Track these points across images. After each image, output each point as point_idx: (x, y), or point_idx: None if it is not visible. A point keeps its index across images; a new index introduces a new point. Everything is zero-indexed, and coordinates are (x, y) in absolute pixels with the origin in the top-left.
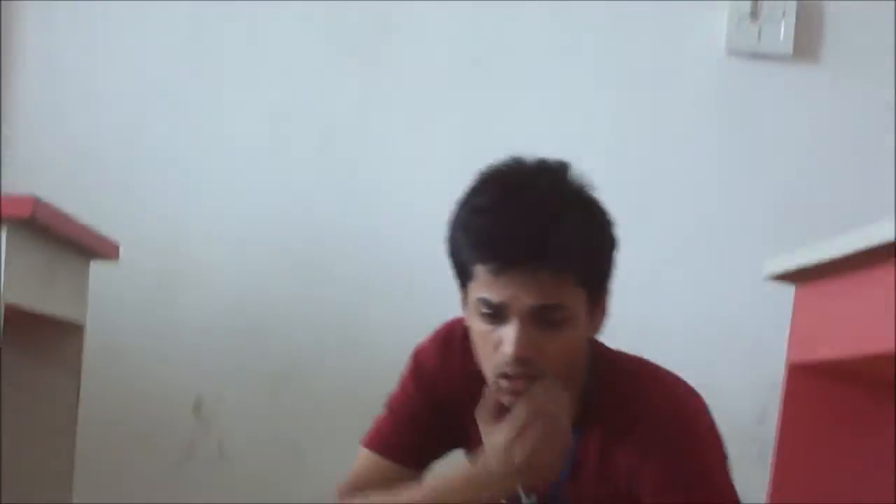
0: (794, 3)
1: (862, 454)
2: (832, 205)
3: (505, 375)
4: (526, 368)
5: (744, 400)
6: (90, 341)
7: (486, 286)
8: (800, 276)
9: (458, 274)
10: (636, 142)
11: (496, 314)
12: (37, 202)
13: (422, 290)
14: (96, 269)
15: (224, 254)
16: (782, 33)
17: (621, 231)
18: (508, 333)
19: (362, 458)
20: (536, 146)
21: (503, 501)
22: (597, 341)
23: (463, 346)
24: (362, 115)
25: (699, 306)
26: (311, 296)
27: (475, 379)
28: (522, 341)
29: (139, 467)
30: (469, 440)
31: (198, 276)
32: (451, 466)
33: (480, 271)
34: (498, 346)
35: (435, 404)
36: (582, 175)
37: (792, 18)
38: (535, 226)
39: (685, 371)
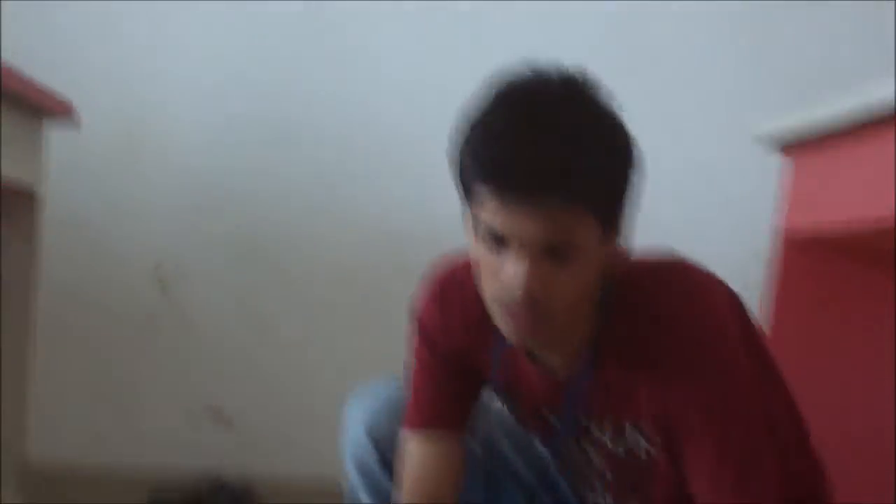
0: None
1: (854, 321)
2: (829, 69)
3: (509, 310)
4: (532, 307)
5: (727, 269)
6: (53, 210)
7: (493, 214)
8: (791, 143)
9: (463, 194)
10: (625, 7)
11: (503, 243)
12: None
13: (396, 163)
14: (58, 138)
15: (188, 125)
16: None
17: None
18: (515, 268)
19: (409, 444)
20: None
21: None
22: (618, 257)
23: (460, 295)
24: None
25: (686, 176)
26: (277, 165)
27: (479, 324)
28: (530, 278)
29: (102, 335)
30: (485, 378)
31: (162, 144)
32: None
33: (488, 198)
34: (496, 272)
35: (450, 361)
36: (606, 92)
37: None
38: (551, 155)
39: (671, 239)
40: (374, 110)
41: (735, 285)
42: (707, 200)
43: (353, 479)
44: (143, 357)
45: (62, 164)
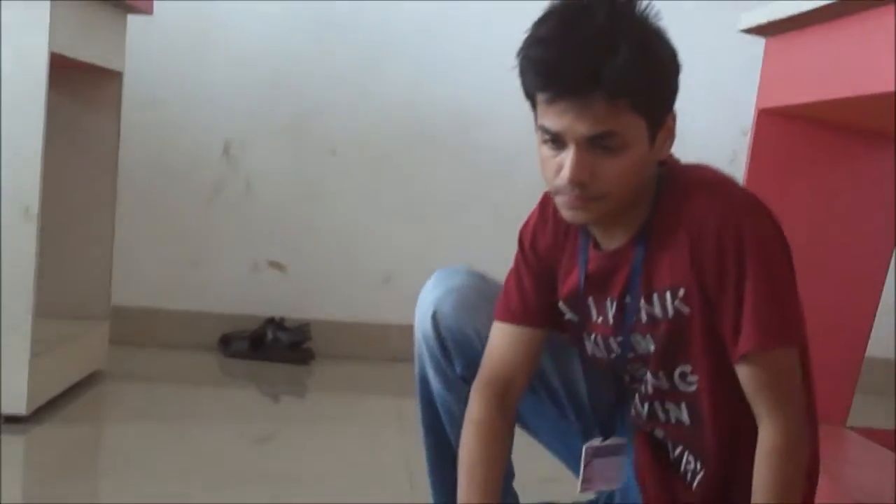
0: None
1: (824, 188)
2: None
3: (562, 194)
4: (582, 191)
5: (717, 143)
6: (130, 91)
7: (545, 114)
8: (771, 29)
9: (527, 99)
10: None
11: (555, 141)
12: None
13: (428, 54)
14: (135, 25)
15: (249, 16)
16: None
17: None
18: (565, 159)
19: (495, 331)
20: None
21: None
22: (669, 159)
23: (555, 212)
24: None
25: (687, 65)
26: (328, 53)
27: (566, 237)
28: (577, 167)
29: (177, 200)
30: (562, 296)
31: (227, 34)
32: None
33: (540, 99)
34: (558, 170)
35: (538, 266)
36: (646, 5)
37: None
38: (587, 56)
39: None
40: (409, 10)
41: (725, 156)
42: (704, 85)
43: (420, 350)
44: (212, 218)
45: (141, 51)
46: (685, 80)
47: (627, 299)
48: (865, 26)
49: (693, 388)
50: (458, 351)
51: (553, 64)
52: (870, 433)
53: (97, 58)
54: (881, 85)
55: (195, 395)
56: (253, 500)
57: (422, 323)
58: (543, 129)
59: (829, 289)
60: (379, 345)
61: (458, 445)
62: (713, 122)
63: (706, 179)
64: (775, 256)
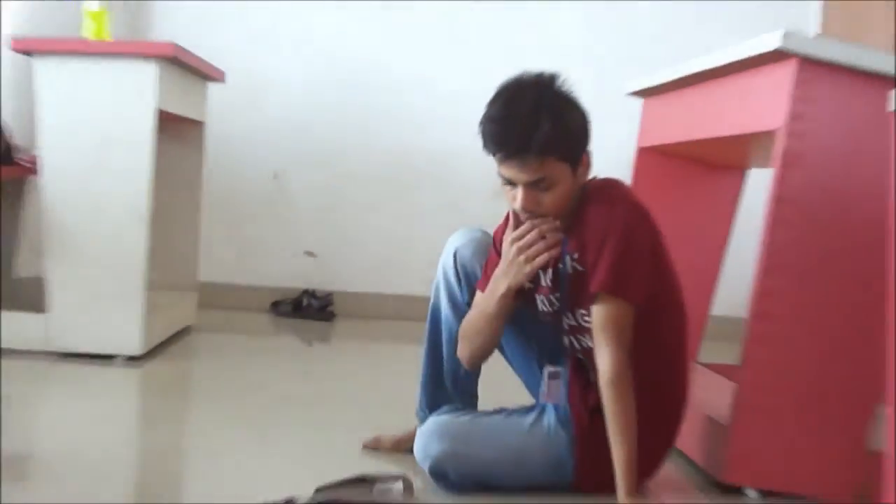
0: None
1: (683, 200)
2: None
3: (521, 215)
4: (531, 214)
5: (609, 170)
6: (210, 134)
7: (499, 166)
8: (646, 93)
9: (488, 154)
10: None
11: (509, 182)
12: (175, 46)
13: (417, 107)
14: (213, 89)
15: (290, 80)
16: None
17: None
18: (517, 195)
19: (476, 296)
20: None
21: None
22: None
23: (517, 223)
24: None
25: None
26: (347, 105)
27: None
28: (524, 201)
29: (240, 209)
30: None
31: (274, 94)
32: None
33: (497, 160)
34: (514, 199)
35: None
36: (563, 82)
37: None
38: (520, 131)
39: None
40: (407, 76)
41: (619, 176)
42: (602, 130)
43: (438, 282)
44: (266, 222)
45: (217, 106)
46: (594, 128)
47: (559, 266)
48: (709, 90)
49: (589, 323)
50: (467, 281)
51: (499, 138)
52: (713, 367)
53: (188, 112)
54: (720, 130)
55: (255, 342)
56: (294, 414)
57: (445, 260)
58: (501, 175)
59: (685, 267)
60: (378, 307)
61: (448, 359)
62: (607, 156)
63: (604, 190)
64: (634, 238)
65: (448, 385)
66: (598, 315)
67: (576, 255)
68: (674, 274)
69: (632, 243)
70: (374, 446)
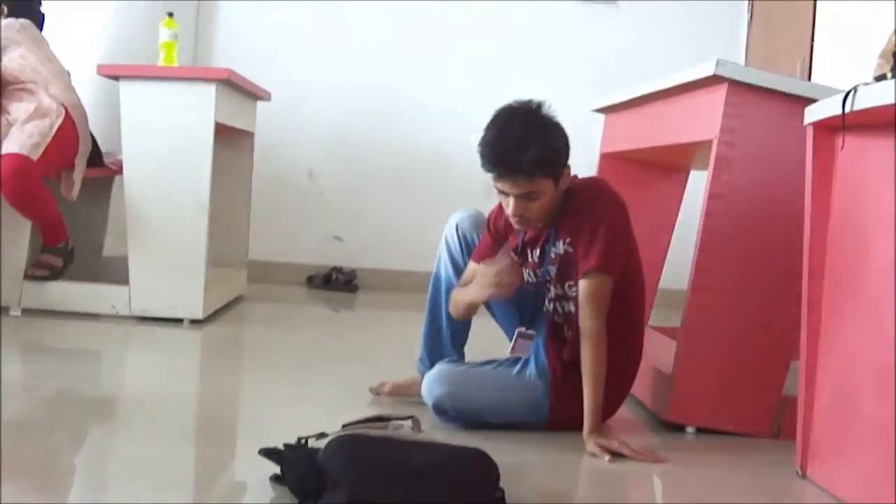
0: None
1: (638, 197)
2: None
3: (512, 220)
4: (521, 218)
5: (578, 171)
6: (258, 142)
7: (495, 181)
8: (607, 110)
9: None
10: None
11: (503, 193)
12: (230, 71)
13: (429, 114)
14: (261, 105)
15: (322, 95)
16: None
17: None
18: (510, 202)
19: (470, 268)
20: None
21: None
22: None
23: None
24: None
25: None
26: (369, 113)
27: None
28: (515, 208)
29: (282, 203)
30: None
31: (310, 108)
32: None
33: (492, 177)
34: (507, 205)
35: (493, 233)
36: (548, 109)
37: None
38: (511, 155)
39: None
40: (426, 84)
41: (585, 175)
42: (575, 139)
43: (441, 252)
44: (303, 212)
45: (264, 119)
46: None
47: (547, 247)
48: (658, 107)
49: (574, 293)
50: (467, 248)
51: (494, 160)
52: (661, 329)
53: (240, 124)
54: (668, 140)
55: (293, 309)
56: (325, 367)
57: (449, 231)
58: (496, 188)
59: (640, 249)
60: (393, 281)
61: (446, 321)
62: (576, 160)
63: (591, 188)
64: (617, 225)
65: (445, 342)
66: (586, 287)
67: (568, 240)
68: (638, 253)
69: (616, 230)
70: (377, 390)
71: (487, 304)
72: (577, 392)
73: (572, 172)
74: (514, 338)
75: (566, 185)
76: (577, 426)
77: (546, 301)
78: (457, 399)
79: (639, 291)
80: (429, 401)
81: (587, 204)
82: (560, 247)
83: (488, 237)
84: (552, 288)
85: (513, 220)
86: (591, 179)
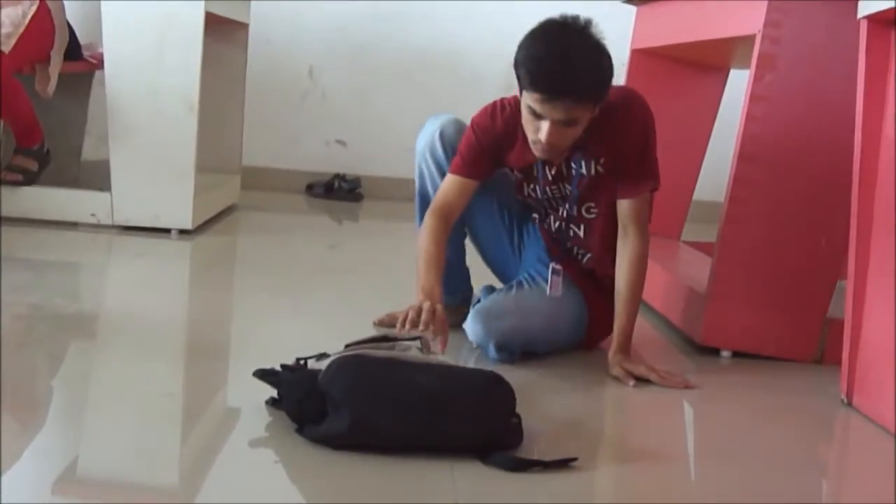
0: None
1: (673, 98)
2: None
3: (537, 144)
4: (551, 146)
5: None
6: (252, 35)
7: (533, 101)
8: (639, 1)
9: (519, 82)
10: None
11: (536, 115)
12: None
13: (438, 11)
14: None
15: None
16: None
17: None
18: (543, 127)
19: (446, 179)
20: None
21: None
22: None
23: (504, 114)
24: None
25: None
26: (374, 8)
27: (511, 131)
28: (551, 135)
29: (279, 103)
30: (505, 163)
31: (314, 2)
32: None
33: (532, 96)
34: (537, 130)
35: (486, 145)
36: (594, 26)
37: None
38: (568, 77)
39: None
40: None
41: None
42: (603, 33)
43: (423, 165)
44: (302, 114)
45: (260, 10)
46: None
47: (572, 165)
48: None
49: (593, 216)
50: (453, 153)
51: (543, 80)
52: (695, 244)
53: (232, 14)
54: (706, 34)
55: (292, 219)
56: (325, 282)
57: (430, 141)
58: (531, 108)
59: (673, 157)
60: (400, 190)
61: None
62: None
63: (618, 99)
64: (654, 139)
65: (448, 257)
66: (632, 208)
67: (602, 161)
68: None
69: (653, 143)
70: (387, 322)
71: (472, 233)
72: (607, 309)
73: None
74: (549, 276)
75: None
76: (605, 346)
77: (550, 219)
78: (519, 332)
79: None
80: (487, 340)
81: (626, 122)
82: (592, 167)
83: (475, 147)
84: (565, 208)
85: (538, 148)
86: (619, 91)
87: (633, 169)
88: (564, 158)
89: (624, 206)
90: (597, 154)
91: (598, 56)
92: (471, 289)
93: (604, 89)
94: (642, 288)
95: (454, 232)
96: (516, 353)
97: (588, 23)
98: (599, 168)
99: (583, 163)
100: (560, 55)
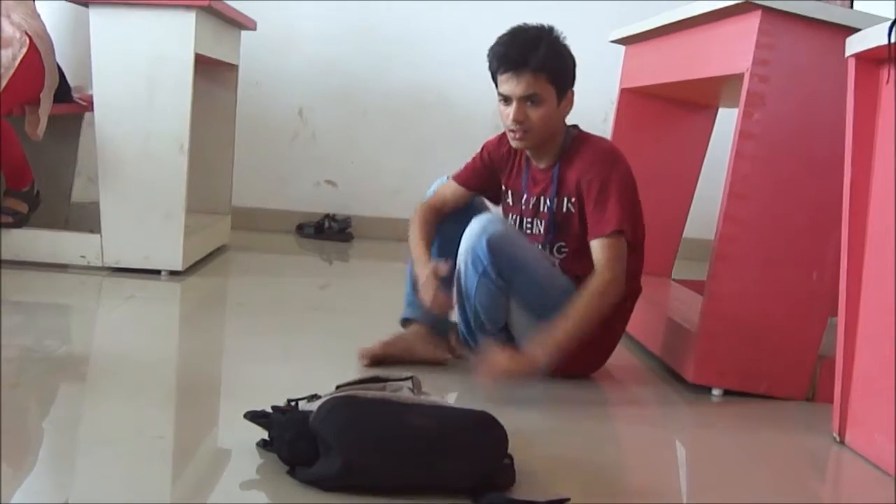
0: None
1: (661, 136)
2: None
3: (511, 130)
4: (519, 126)
5: (596, 108)
6: (242, 76)
7: (500, 84)
8: (627, 41)
9: (492, 80)
10: None
11: (506, 100)
12: None
13: (425, 53)
14: (245, 35)
15: (314, 29)
16: None
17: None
18: (510, 112)
19: (447, 184)
20: None
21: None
22: (574, 127)
23: (509, 146)
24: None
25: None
26: (361, 51)
27: (512, 157)
28: (516, 112)
29: (269, 143)
30: (502, 185)
31: (300, 41)
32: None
33: (498, 77)
34: (508, 117)
35: (488, 161)
36: (558, 31)
37: None
38: (522, 50)
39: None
40: (415, 25)
41: (600, 116)
42: (589, 73)
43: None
44: (292, 154)
45: (248, 52)
46: (582, 71)
47: (543, 198)
48: (683, 38)
49: (563, 255)
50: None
51: (503, 53)
52: (685, 282)
53: (222, 56)
54: (694, 73)
55: (282, 260)
56: (316, 322)
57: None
58: (499, 94)
59: (662, 195)
60: (390, 230)
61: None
62: (593, 95)
63: (594, 142)
64: (626, 185)
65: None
66: (597, 248)
67: (573, 200)
68: (643, 220)
69: (628, 189)
70: (369, 355)
71: None
72: (594, 339)
73: (589, 131)
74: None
75: (566, 113)
76: (586, 376)
77: None
78: (512, 247)
79: (641, 247)
80: (481, 238)
81: (593, 158)
82: (564, 204)
83: (478, 161)
84: (539, 244)
85: (511, 135)
86: (588, 133)
87: (593, 207)
88: (542, 190)
89: (593, 247)
90: (568, 192)
91: (556, 41)
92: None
93: (559, 70)
94: (587, 315)
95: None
96: (501, 274)
97: (552, 26)
98: (570, 206)
99: (556, 200)
100: (519, 36)
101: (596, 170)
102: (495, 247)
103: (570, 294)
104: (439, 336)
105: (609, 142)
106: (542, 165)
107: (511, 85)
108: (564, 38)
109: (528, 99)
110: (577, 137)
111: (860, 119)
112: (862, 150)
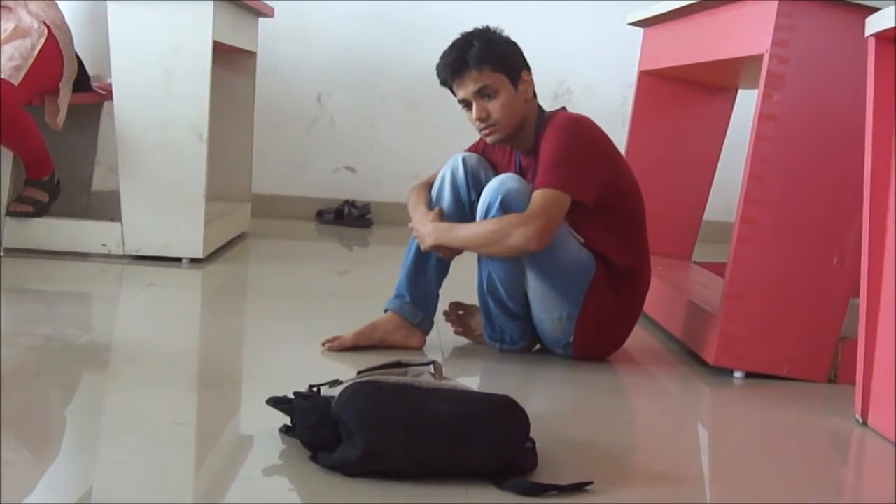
0: None
1: (680, 118)
2: None
3: (480, 130)
4: (484, 123)
5: (614, 91)
6: (260, 63)
7: (455, 91)
8: (646, 23)
9: (452, 94)
10: None
11: (467, 105)
12: None
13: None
14: (263, 22)
15: (331, 15)
16: None
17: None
18: (472, 111)
19: (457, 155)
20: None
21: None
22: (543, 110)
23: None
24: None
25: (598, 44)
26: (379, 37)
27: (504, 151)
28: (477, 111)
29: (288, 129)
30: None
31: (318, 27)
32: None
33: (450, 86)
34: (473, 119)
35: (482, 151)
36: (495, 27)
37: None
38: (457, 54)
39: (586, 77)
40: (430, 11)
41: (618, 99)
42: (607, 56)
43: (443, 184)
44: (310, 140)
45: (267, 38)
46: (600, 55)
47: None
48: (702, 19)
49: None
50: (473, 185)
51: (445, 64)
52: (706, 265)
53: (241, 43)
54: (713, 55)
55: (302, 246)
56: (336, 308)
57: (454, 163)
58: (459, 101)
59: (682, 178)
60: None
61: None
62: (612, 79)
63: (556, 117)
64: (580, 149)
65: (430, 274)
66: (534, 199)
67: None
68: (631, 174)
69: (583, 152)
70: (339, 347)
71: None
72: (599, 327)
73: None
74: None
75: (527, 96)
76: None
77: None
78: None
79: (638, 213)
80: (497, 193)
81: (551, 130)
82: (532, 166)
83: (482, 144)
84: None
85: (483, 134)
86: (564, 111)
87: (542, 163)
88: (531, 180)
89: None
90: (530, 163)
91: (487, 32)
92: (432, 318)
93: (500, 57)
94: (486, 233)
95: (440, 265)
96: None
97: (488, 27)
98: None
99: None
100: (454, 44)
101: (548, 139)
102: (509, 203)
103: (582, 260)
104: (412, 325)
105: (570, 113)
106: (525, 153)
107: (462, 88)
108: (501, 30)
109: (482, 94)
110: (546, 118)
111: (880, 99)
112: (883, 130)
